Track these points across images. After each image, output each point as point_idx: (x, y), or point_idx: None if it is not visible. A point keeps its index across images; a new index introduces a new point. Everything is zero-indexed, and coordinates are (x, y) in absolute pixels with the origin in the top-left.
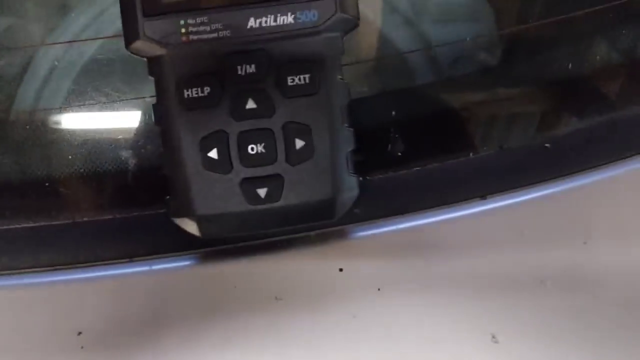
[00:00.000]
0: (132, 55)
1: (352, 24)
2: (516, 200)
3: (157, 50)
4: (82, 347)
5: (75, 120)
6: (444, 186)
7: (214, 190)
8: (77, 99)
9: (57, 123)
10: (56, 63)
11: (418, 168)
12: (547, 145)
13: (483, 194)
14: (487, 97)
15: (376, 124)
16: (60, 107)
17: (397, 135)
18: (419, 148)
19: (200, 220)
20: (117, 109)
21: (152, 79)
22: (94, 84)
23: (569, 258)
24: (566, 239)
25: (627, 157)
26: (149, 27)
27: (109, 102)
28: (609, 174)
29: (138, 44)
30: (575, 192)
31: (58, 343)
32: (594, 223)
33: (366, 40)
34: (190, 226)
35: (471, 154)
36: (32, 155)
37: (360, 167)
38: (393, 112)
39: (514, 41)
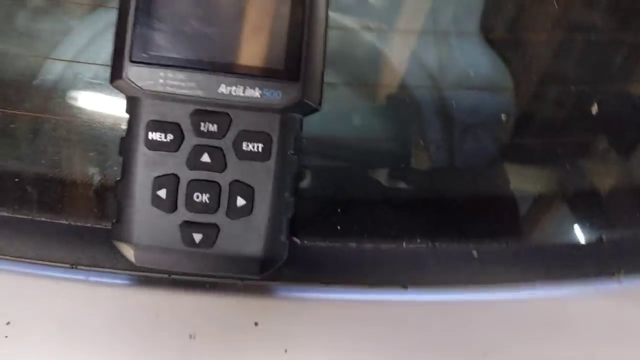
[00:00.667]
0: None
1: (313, 109)
2: (436, 297)
3: (135, 92)
4: (6, 337)
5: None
6: (372, 267)
7: (155, 225)
8: None
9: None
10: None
11: (353, 244)
12: (474, 251)
13: (405, 284)
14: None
15: (324, 195)
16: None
17: (339, 210)
18: (358, 226)
19: (137, 249)
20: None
21: (127, 114)
22: None
23: None
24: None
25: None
26: (132, 71)
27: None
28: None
29: (120, 83)
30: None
31: None
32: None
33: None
34: (128, 252)
35: (404, 244)
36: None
37: (300, 230)
38: (345, 187)
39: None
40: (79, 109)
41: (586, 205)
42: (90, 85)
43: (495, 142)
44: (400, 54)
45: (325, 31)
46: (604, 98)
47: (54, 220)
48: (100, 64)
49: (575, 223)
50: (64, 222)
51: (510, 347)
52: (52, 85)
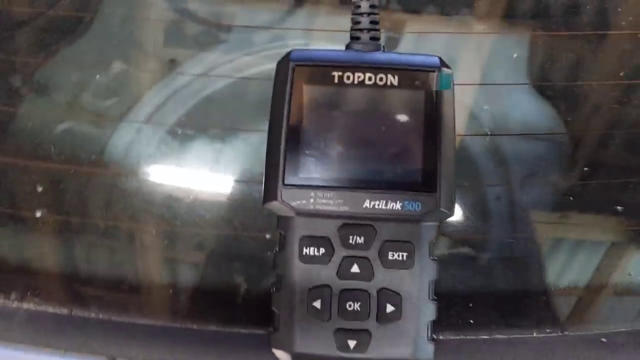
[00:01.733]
0: None
1: (448, 216)
2: None
3: (289, 212)
4: None
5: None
6: (506, 358)
7: (312, 334)
8: None
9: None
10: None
11: (485, 337)
12: (603, 339)
13: None
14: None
15: (454, 292)
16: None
17: (470, 304)
18: (489, 319)
19: (295, 356)
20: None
21: (279, 231)
22: None
23: None
24: None
25: None
26: (286, 193)
27: None
28: None
29: (274, 204)
30: None
31: None
32: None
33: None
34: (286, 359)
35: (534, 333)
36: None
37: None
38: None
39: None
40: None
41: None
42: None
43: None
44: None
45: (455, 144)
46: None
47: (204, 328)
48: None
49: None
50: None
51: None
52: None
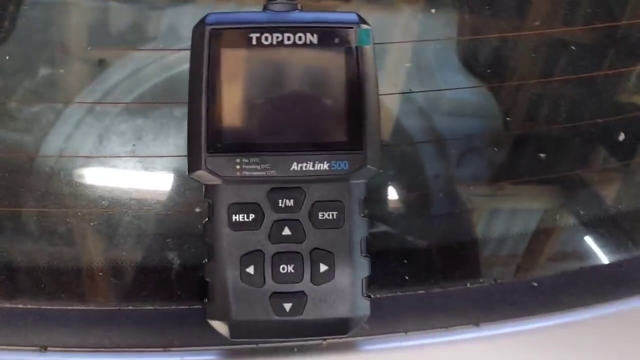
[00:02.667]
0: None
1: (376, 172)
2: (507, 330)
3: (215, 180)
4: None
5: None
6: (443, 311)
7: (247, 300)
8: None
9: None
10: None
11: (421, 292)
12: (534, 284)
13: (477, 322)
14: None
15: (389, 249)
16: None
17: (405, 261)
18: (424, 274)
19: (232, 325)
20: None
21: (207, 200)
22: None
23: None
24: None
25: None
26: (210, 161)
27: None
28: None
29: (199, 173)
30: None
31: None
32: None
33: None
34: (223, 328)
35: (468, 284)
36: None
37: (372, 287)
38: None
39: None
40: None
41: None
42: None
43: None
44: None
45: (378, 100)
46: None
47: (140, 308)
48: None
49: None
50: (151, 307)
51: None
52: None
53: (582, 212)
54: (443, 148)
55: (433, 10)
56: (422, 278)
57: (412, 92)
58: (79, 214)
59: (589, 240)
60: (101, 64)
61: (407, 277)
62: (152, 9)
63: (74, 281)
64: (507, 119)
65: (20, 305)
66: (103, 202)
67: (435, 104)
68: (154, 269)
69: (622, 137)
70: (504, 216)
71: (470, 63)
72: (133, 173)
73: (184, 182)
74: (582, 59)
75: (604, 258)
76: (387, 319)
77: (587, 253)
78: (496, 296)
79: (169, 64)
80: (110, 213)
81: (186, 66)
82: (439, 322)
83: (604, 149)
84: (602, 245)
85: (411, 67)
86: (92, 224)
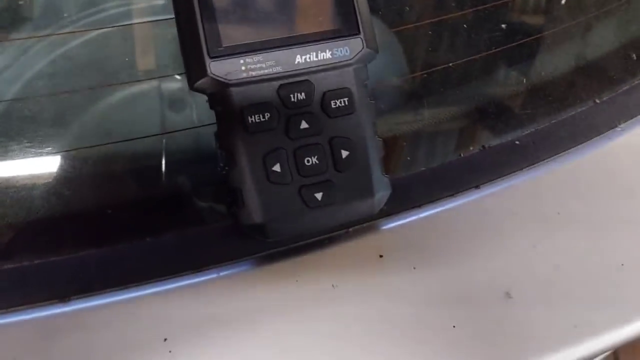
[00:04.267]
0: None
1: (374, 56)
2: (501, 187)
3: (222, 86)
4: (169, 351)
5: None
6: (447, 180)
7: (278, 198)
8: None
9: None
10: None
11: (424, 169)
12: (517, 142)
13: (477, 184)
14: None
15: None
16: None
17: (405, 143)
18: (424, 153)
19: (268, 224)
20: None
21: (215, 109)
22: None
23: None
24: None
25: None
26: (215, 66)
27: None
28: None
29: (205, 81)
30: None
31: (146, 349)
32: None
33: None
34: (259, 231)
35: (461, 154)
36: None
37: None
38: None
39: None
40: None
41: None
42: None
43: None
44: None
45: None
46: None
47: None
48: None
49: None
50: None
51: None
52: None
53: None
54: None
55: None
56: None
57: None
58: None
59: None
60: None
61: (408, 158)
62: None
63: (87, 222)
64: None
65: (37, 261)
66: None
67: None
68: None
69: None
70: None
71: None
72: None
73: None
74: None
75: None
76: (400, 198)
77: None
78: (488, 159)
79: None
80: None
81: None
82: (445, 191)
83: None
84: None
85: None
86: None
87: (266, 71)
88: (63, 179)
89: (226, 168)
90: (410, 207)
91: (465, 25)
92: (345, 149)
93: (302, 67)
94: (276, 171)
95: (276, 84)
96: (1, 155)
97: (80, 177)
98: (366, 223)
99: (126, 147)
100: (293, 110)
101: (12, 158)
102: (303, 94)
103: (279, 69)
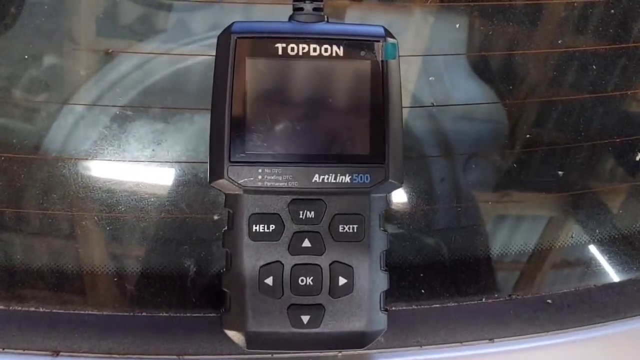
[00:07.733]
0: None
1: (397, 187)
2: (521, 346)
3: (236, 190)
4: None
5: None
6: (458, 325)
7: (264, 312)
8: None
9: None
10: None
11: (437, 306)
12: (549, 301)
13: (491, 338)
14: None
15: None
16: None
17: (421, 274)
18: (440, 288)
19: (249, 335)
20: None
21: (227, 209)
22: None
23: None
24: None
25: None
26: (232, 171)
27: None
28: (603, 332)
29: (221, 182)
30: (573, 346)
31: None
32: None
33: None
34: (239, 339)
35: (484, 299)
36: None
37: (388, 299)
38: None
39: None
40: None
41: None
42: None
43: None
44: None
45: (402, 114)
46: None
47: (155, 314)
48: None
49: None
50: (165, 314)
51: None
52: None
53: (596, 231)
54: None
55: (457, 25)
56: (438, 292)
57: (434, 105)
58: (95, 218)
59: (601, 257)
60: (108, 55)
61: (423, 291)
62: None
63: (88, 285)
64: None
65: (33, 309)
66: (117, 205)
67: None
68: (169, 276)
69: (639, 157)
70: (520, 232)
71: (480, 68)
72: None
73: (202, 186)
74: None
75: (615, 276)
76: (402, 332)
77: (599, 271)
78: (511, 312)
79: (177, 58)
80: (124, 214)
81: (194, 61)
82: (453, 336)
83: (620, 167)
84: (614, 264)
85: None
86: (108, 228)
87: (281, 184)
88: None
89: (223, 269)
90: (409, 345)
91: None
92: (344, 277)
93: (317, 186)
94: (268, 284)
95: (288, 197)
96: None
97: None
98: (357, 351)
99: None
100: (299, 227)
101: None
102: (313, 212)
103: (294, 183)
